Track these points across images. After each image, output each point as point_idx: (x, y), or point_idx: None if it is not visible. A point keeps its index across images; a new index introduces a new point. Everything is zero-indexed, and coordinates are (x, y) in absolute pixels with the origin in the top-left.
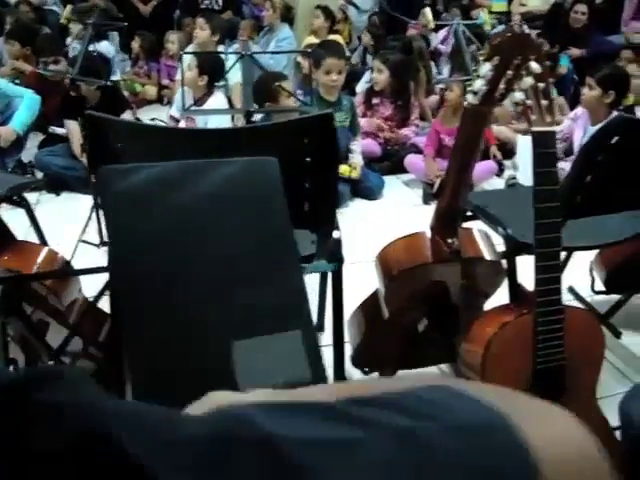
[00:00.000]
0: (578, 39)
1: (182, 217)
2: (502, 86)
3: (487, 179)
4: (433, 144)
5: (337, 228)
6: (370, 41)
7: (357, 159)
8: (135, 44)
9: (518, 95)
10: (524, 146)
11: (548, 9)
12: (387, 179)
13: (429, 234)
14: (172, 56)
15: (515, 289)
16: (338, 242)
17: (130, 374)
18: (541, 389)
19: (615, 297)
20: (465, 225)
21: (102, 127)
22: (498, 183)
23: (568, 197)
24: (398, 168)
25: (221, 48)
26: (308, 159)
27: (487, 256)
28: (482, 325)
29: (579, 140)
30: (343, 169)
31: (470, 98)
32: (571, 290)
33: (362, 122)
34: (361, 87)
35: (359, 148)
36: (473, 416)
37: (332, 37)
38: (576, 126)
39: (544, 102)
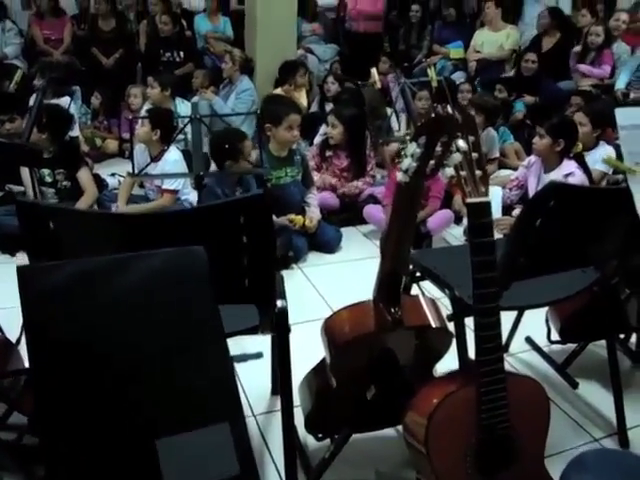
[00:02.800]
0: (530, 86)
1: (105, 314)
2: (433, 162)
3: (445, 228)
4: (392, 194)
5: (282, 297)
6: (338, 88)
7: (314, 212)
8: (95, 100)
9: (449, 171)
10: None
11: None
12: (346, 231)
13: (372, 304)
14: (134, 110)
15: (463, 351)
16: (283, 312)
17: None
18: (488, 458)
19: (571, 346)
20: (414, 286)
21: (36, 212)
22: (456, 231)
23: (511, 261)
24: (357, 219)
25: (177, 100)
26: (245, 237)
27: (433, 323)
28: (426, 395)
29: (533, 187)
30: (297, 219)
31: (400, 176)
32: (528, 340)
33: (316, 178)
34: (317, 139)
35: (315, 201)
36: None
37: (297, 93)
38: (530, 173)
39: (478, 172)
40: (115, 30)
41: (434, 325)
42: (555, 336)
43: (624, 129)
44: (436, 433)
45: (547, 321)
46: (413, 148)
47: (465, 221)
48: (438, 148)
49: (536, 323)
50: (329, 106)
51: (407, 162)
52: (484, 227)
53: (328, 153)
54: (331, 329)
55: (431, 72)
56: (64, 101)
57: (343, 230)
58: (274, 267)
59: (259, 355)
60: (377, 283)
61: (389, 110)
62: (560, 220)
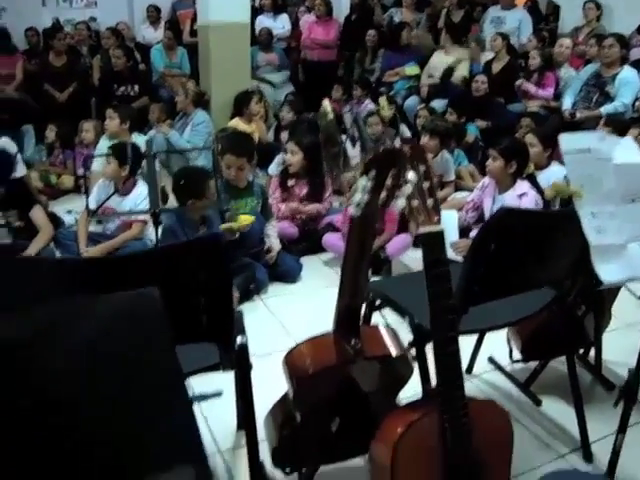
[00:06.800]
0: (482, 108)
1: (56, 366)
2: (384, 194)
3: (403, 252)
4: (348, 221)
5: (242, 332)
6: (293, 117)
7: (274, 243)
8: (50, 133)
9: (400, 202)
10: (446, 219)
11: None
12: (306, 259)
13: (332, 336)
14: (87, 145)
15: (426, 378)
16: (243, 348)
17: None
18: None
19: (533, 364)
20: (374, 314)
21: None
22: (416, 254)
23: (465, 287)
24: (317, 248)
25: (134, 135)
26: (201, 277)
27: (393, 353)
28: (390, 424)
29: (489, 208)
30: (234, 224)
31: (352, 210)
32: (491, 360)
33: (282, 207)
34: (273, 169)
35: (274, 232)
36: None
37: (255, 123)
38: (485, 195)
39: (429, 201)
40: (67, 65)
41: (394, 354)
42: (517, 355)
43: (568, 154)
44: (401, 461)
45: (508, 341)
46: (364, 182)
47: None
48: (389, 181)
49: (498, 343)
50: (284, 135)
51: (358, 196)
52: (438, 258)
53: (290, 182)
54: (292, 364)
55: (383, 101)
56: (3, 142)
57: (303, 259)
58: (231, 305)
59: (219, 394)
60: (336, 316)
61: (344, 137)
62: (514, 243)
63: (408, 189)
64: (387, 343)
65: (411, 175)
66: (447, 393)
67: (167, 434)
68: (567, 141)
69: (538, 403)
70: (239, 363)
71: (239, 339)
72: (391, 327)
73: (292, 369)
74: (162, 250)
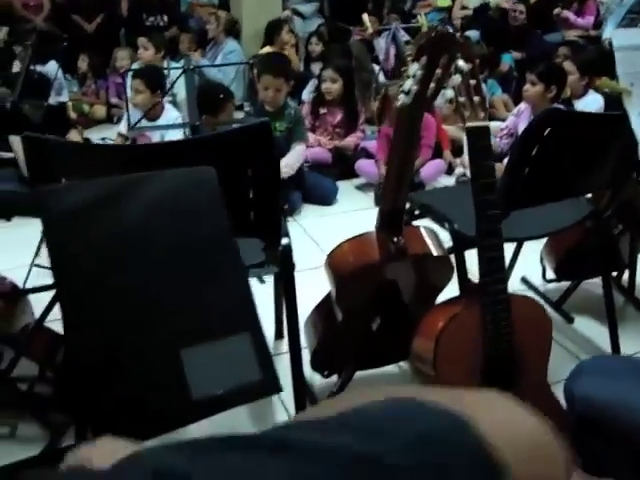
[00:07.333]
0: (518, 39)
1: (121, 231)
2: (433, 85)
3: (437, 178)
4: (384, 149)
5: (286, 235)
6: (322, 48)
7: (287, 159)
8: (82, 63)
9: (449, 93)
10: None
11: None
12: (340, 184)
13: (375, 234)
14: (121, 73)
15: (464, 283)
16: (288, 248)
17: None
18: (493, 378)
19: (566, 284)
20: (413, 223)
21: (42, 148)
22: (448, 182)
23: (508, 189)
24: (350, 173)
25: (165, 64)
26: (249, 169)
27: (434, 252)
28: (432, 319)
29: None
30: None
31: (403, 98)
32: (524, 280)
33: (310, 138)
34: (306, 96)
35: (296, 151)
36: (432, 424)
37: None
38: (520, 121)
39: (476, 98)
40: None
41: (436, 253)
42: (550, 275)
43: (620, 50)
44: (443, 355)
45: (542, 260)
46: (414, 69)
47: (457, 171)
48: (438, 70)
49: (531, 263)
50: (314, 66)
51: (409, 83)
52: (483, 150)
53: (322, 110)
54: (335, 262)
55: (422, 19)
56: (50, 66)
57: (337, 184)
58: (278, 200)
59: (262, 281)
60: (379, 216)
61: (376, 67)
62: (556, 147)
63: (457, 79)
64: (428, 243)
65: (462, 63)
66: (489, 285)
67: (224, 301)
68: (620, 37)
69: (570, 321)
70: (283, 262)
71: (284, 240)
72: (432, 229)
73: (335, 267)
74: (213, 137)
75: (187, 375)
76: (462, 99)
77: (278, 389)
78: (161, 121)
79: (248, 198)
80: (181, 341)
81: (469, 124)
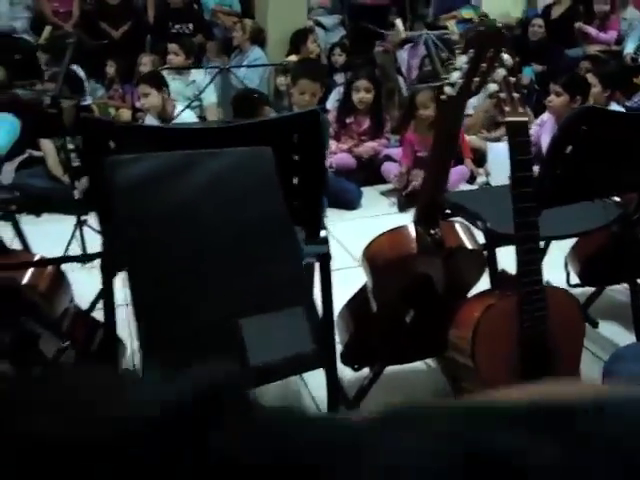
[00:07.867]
0: (538, 53)
1: (185, 203)
2: (477, 78)
3: (459, 184)
4: (408, 156)
5: (324, 227)
6: (344, 59)
7: None
8: (110, 68)
9: (492, 86)
10: (495, 153)
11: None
12: (364, 190)
13: (412, 227)
14: None
15: (496, 278)
16: (325, 240)
17: (144, 344)
18: (530, 368)
19: (589, 289)
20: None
21: (97, 128)
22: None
23: (540, 188)
24: (374, 179)
25: (193, 71)
26: (296, 156)
27: (469, 245)
28: (468, 309)
29: (547, 144)
30: None
31: (448, 90)
32: (548, 285)
33: (332, 146)
34: (330, 104)
35: None
36: None
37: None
38: (543, 131)
39: (516, 95)
40: (122, 3)
41: (470, 247)
42: (574, 280)
43: None
44: (481, 344)
45: (566, 265)
46: (462, 61)
47: (479, 179)
48: (483, 64)
49: (555, 268)
50: (337, 77)
51: (455, 75)
52: (523, 144)
53: (348, 120)
54: (372, 253)
55: (451, 26)
56: (75, 68)
57: (361, 189)
58: (322, 189)
59: None
60: (417, 209)
61: (400, 79)
62: (592, 145)
63: (502, 72)
64: (464, 237)
65: (506, 57)
66: (527, 275)
67: (280, 275)
68: None
69: (595, 325)
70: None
71: (322, 232)
72: (467, 224)
73: (372, 258)
74: (262, 123)
75: (246, 343)
76: (503, 95)
77: (330, 362)
78: (177, 120)
79: (293, 185)
80: (239, 312)
81: (509, 118)
